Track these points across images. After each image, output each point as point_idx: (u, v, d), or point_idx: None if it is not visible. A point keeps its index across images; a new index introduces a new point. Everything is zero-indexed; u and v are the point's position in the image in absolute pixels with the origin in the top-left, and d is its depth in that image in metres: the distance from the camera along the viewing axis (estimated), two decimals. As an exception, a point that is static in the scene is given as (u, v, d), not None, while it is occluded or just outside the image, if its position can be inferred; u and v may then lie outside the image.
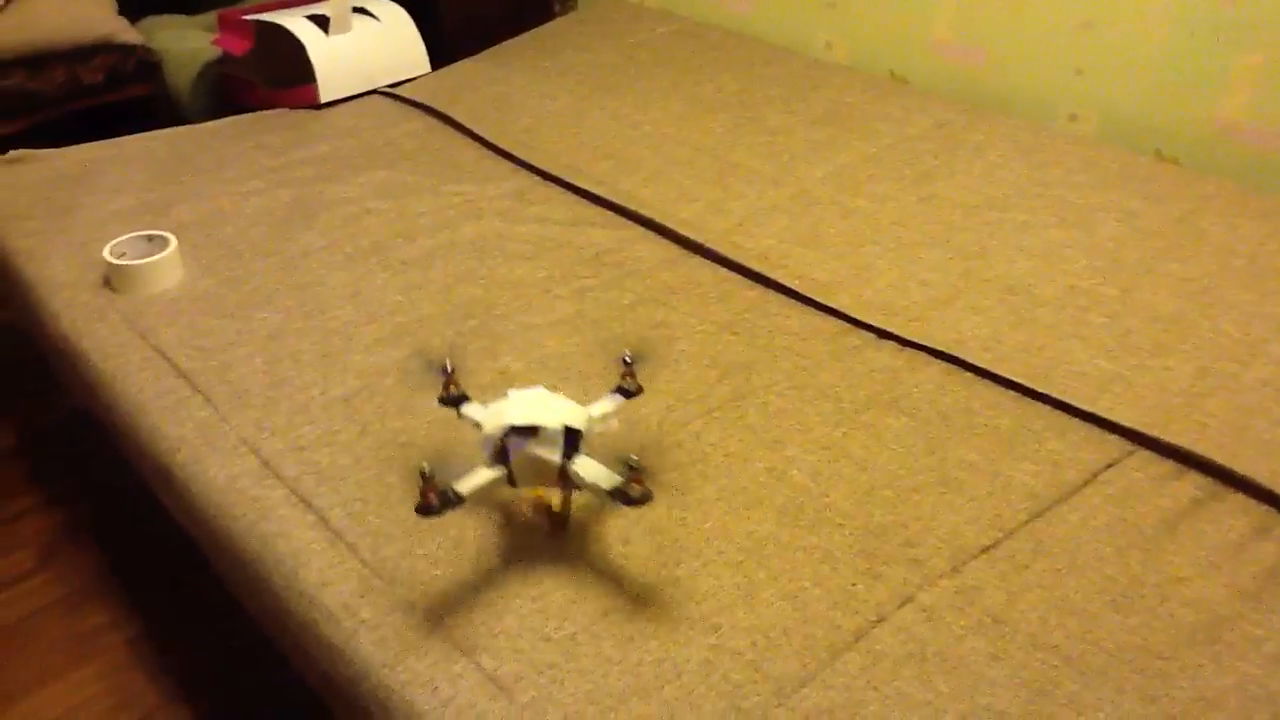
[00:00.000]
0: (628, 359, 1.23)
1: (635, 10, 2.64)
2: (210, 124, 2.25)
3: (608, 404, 1.19)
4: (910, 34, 2.22)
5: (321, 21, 2.33)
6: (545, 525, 1.20)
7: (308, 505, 1.24)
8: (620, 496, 1.03)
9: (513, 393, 1.11)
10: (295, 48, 2.27)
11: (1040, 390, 1.39)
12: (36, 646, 1.68)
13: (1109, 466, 1.28)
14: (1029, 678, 1.02)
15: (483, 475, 1.07)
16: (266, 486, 1.28)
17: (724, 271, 1.69)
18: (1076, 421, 1.35)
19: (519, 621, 1.08)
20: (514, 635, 1.07)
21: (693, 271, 1.69)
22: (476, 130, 2.17)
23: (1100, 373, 1.40)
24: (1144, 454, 1.30)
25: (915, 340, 1.49)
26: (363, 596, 1.12)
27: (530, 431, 1.07)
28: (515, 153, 2.07)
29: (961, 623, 1.07)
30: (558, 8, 2.89)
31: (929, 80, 2.22)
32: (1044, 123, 2.04)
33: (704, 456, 1.30)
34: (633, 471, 1.03)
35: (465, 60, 2.53)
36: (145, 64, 2.53)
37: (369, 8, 2.42)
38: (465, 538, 1.19)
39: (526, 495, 1.24)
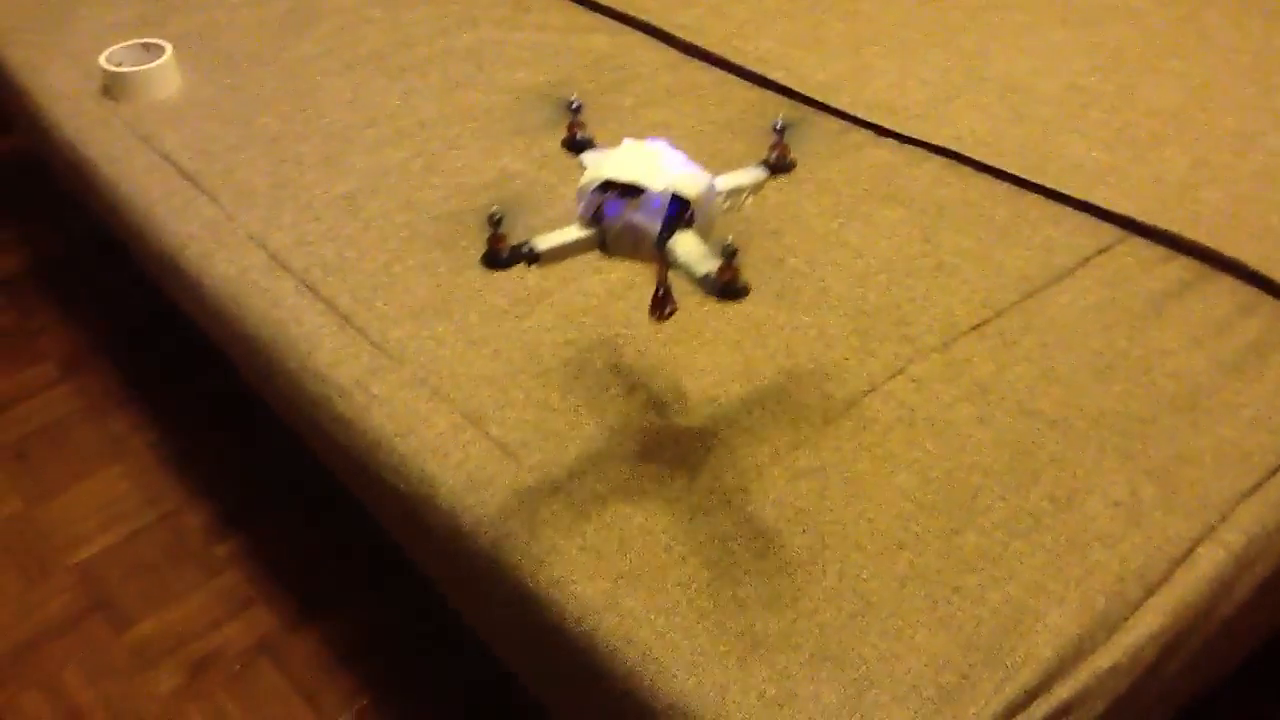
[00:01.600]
0: (779, 126, 1.03)
1: None
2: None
3: (743, 176, 0.99)
4: None
5: None
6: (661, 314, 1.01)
7: (316, 294, 1.27)
8: (710, 285, 0.87)
9: (627, 141, 0.94)
10: None
11: (1036, 181, 1.40)
12: (66, 449, 1.75)
13: (1101, 252, 1.30)
14: (1013, 440, 1.06)
15: (569, 233, 0.92)
16: (276, 278, 1.31)
17: (724, 74, 1.68)
18: (1071, 211, 1.37)
19: (524, 395, 1.12)
20: (520, 406, 1.11)
21: (693, 75, 1.68)
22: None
23: (1096, 164, 1.41)
24: (1136, 240, 1.32)
25: (914, 137, 1.50)
26: (373, 374, 1.16)
27: (632, 191, 0.90)
28: (512, -38, 2.04)
29: (950, 391, 1.11)
30: None
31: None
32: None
33: (703, 246, 1.32)
34: (727, 258, 0.86)
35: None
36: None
37: None
38: (470, 320, 1.22)
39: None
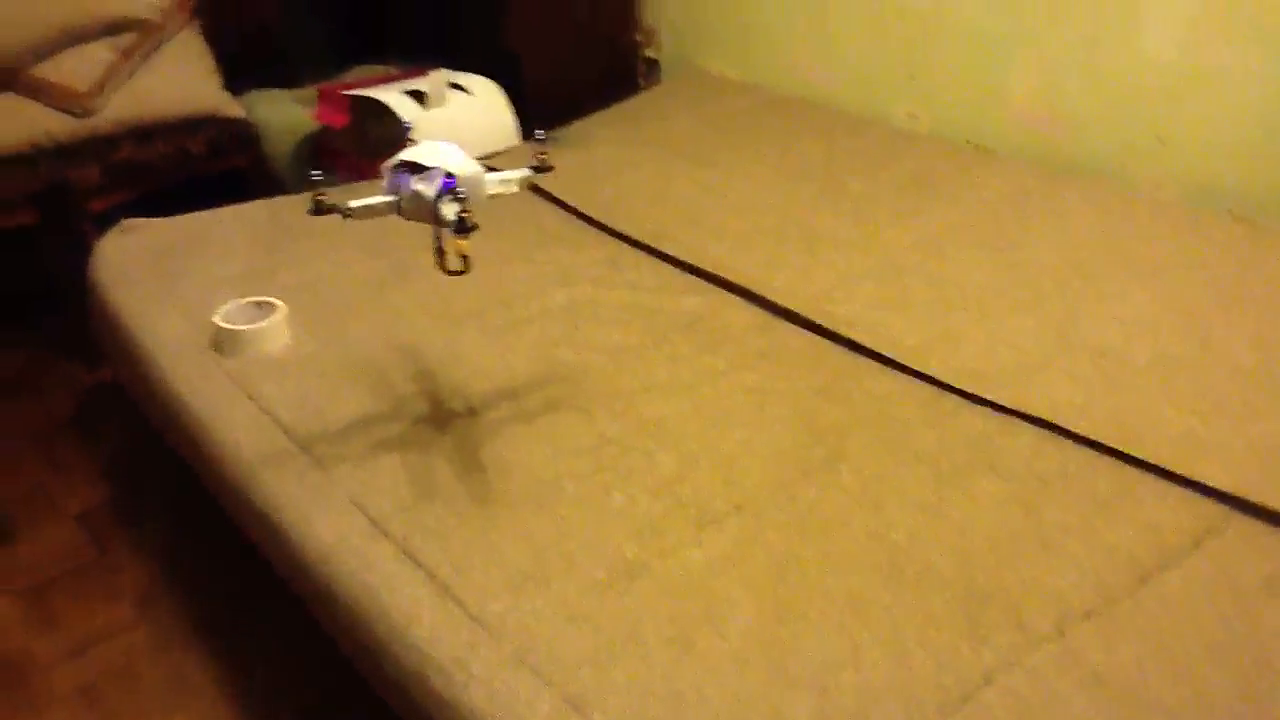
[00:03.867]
0: (540, 135, 1.43)
1: (719, 83, 2.70)
2: (309, 194, 2.33)
3: (513, 174, 1.39)
4: (991, 103, 2.25)
5: (418, 96, 2.42)
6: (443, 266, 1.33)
7: (416, 562, 1.28)
8: (451, 225, 1.23)
9: (426, 141, 1.34)
10: (393, 121, 2.36)
11: (1135, 454, 1.39)
12: (136, 692, 1.73)
13: (1210, 532, 1.27)
14: (1139, 741, 1.01)
15: (375, 198, 1.33)
16: (374, 543, 1.32)
17: (814, 337, 1.71)
18: (1174, 486, 1.35)
19: (627, 677, 1.10)
20: (623, 690, 1.09)
21: (783, 337, 1.72)
22: (565, 199, 2.23)
23: (1194, 436, 1.40)
24: (1243, 518, 1.29)
25: (1008, 405, 1.50)
26: (473, 650, 1.15)
27: (420, 170, 1.29)
28: (604, 221, 2.12)
29: (1066, 684, 1.07)
30: (642, 81, 2.97)
31: (1010, 148, 2.24)
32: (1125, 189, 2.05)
33: (801, 518, 1.32)
34: (460, 203, 1.25)
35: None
36: (245, 136, 2.64)
37: (462, 82, 2.51)
38: (568, 594, 1.21)
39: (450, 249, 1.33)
